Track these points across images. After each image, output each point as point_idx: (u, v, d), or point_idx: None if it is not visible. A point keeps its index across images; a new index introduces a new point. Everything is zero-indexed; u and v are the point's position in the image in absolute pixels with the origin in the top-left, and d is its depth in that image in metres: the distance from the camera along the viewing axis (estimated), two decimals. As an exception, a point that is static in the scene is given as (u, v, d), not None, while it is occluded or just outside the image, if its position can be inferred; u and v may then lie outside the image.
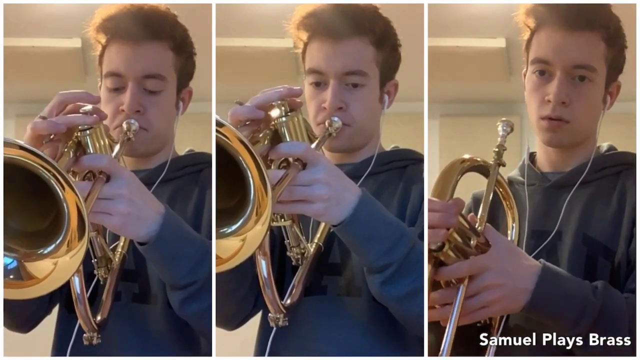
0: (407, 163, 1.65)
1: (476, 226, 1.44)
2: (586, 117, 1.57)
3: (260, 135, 1.38)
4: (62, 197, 1.24)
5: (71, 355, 1.58)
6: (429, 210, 1.38)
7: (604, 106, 1.60)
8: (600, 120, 1.60)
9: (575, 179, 1.56)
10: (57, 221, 1.27)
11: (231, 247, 1.31)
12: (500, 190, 1.55)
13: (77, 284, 1.47)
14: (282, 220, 1.45)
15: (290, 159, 1.37)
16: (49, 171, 1.24)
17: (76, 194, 1.24)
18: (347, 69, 1.59)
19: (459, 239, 1.38)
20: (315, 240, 1.53)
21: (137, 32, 1.62)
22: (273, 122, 1.39)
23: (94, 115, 1.40)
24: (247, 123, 1.38)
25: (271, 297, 1.47)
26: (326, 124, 1.56)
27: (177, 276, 1.47)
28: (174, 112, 1.69)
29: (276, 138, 1.39)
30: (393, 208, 1.56)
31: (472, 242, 1.40)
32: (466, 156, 1.51)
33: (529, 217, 1.56)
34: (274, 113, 1.39)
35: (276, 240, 1.57)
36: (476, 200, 1.63)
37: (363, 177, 1.60)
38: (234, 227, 1.30)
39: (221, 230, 1.31)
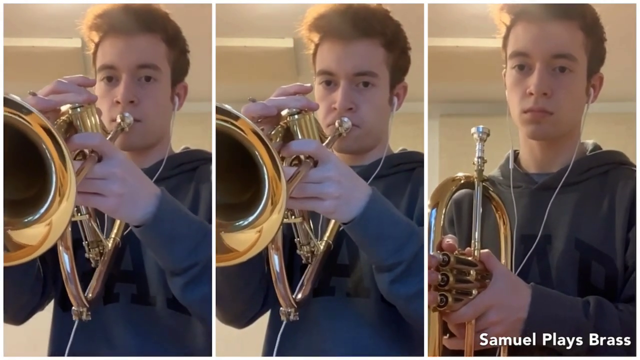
0: (415, 165, 1.65)
1: (472, 254, 1.45)
2: (569, 108, 1.56)
3: (272, 132, 1.37)
4: (27, 124, 1.20)
5: (70, 355, 1.58)
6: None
7: (587, 99, 1.59)
8: (584, 113, 1.60)
9: (563, 181, 1.56)
10: (42, 190, 1.24)
11: (247, 239, 1.30)
12: (493, 204, 1.55)
13: (66, 261, 1.45)
14: (293, 217, 1.45)
15: (302, 157, 1.37)
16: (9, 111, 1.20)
17: (42, 118, 1.20)
18: (357, 70, 1.60)
19: (459, 284, 1.41)
20: (325, 238, 1.53)
21: (130, 25, 1.63)
22: (285, 120, 1.39)
23: (85, 95, 1.38)
24: (259, 120, 1.38)
25: (283, 292, 1.47)
26: (336, 124, 1.57)
27: (177, 259, 1.44)
28: (169, 106, 1.68)
29: (288, 136, 1.39)
30: (401, 210, 1.56)
31: (472, 274, 1.42)
32: (460, 174, 1.51)
33: (517, 221, 1.56)
34: (286, 111, 1.39)
35: (285, 240, 1.57)
36: (457, 205, 1.63)
37: (371, 179, 1.60)
38: (250, 219, 1.29)
39: (237, 224, 1.31)
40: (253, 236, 1.30)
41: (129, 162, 1.38)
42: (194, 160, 1.68)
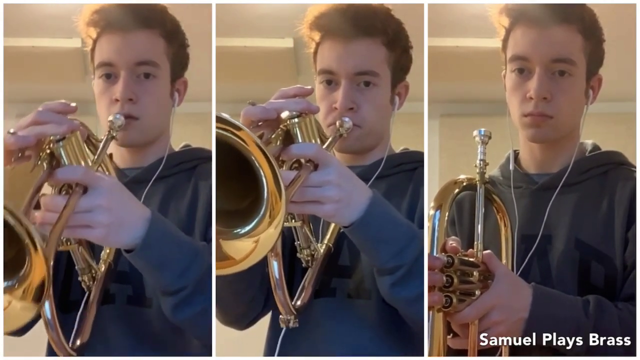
0: (417, 165, 1.65)
1: (475, 254, 1.46)
2: (569, 111, 1.57)
3: (272, 136, 1.37)
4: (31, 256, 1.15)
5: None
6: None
7: (586, 100, 1.60)
8: (583, 114, 1.60)
9: (563, 181, 1.56)
10: (22, 253, 1.18)
11: (244, 248, 1.29)
12: (495, 205, 1.55)
13: (47, 308, 1.41)
14: (293, 221, 1.45)
15: (302, 160, 1.36)
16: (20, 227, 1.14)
17: (46, 261, 1.15)
18: (358, 69, 1.59)
19: (463, 285, 1.43)
20: (325, 241, 1.53)
21: (127, 21, 1.61)
22: (285, 123, 1.39)
23: (65, 125, 1.33)
24: (260, 124, 1.37)
25: (282, 299, 1.46)
26: (337, 124, 1.55)
27: (167, 282, 1.43)
28: (169, 102, 1.67)
29: (288, 139, 1.38)
30: (402, 210, 1.56)
31: (475, 275, 1.44)
32: (462, 176, 1.52)
33: (517, 221, 1.56)
34: (286, 114, 1.39)
35: (286, 242, 1.57)
36: (458, 205, 1.63)
37: (372, 180, 1.60)
38: (247, 228, 1.28)
39: (235, 231, 1.30)
40: (250, 245, 1.29)
41: (116, 187, 1.36)
42: (194, 159, 1.68)
